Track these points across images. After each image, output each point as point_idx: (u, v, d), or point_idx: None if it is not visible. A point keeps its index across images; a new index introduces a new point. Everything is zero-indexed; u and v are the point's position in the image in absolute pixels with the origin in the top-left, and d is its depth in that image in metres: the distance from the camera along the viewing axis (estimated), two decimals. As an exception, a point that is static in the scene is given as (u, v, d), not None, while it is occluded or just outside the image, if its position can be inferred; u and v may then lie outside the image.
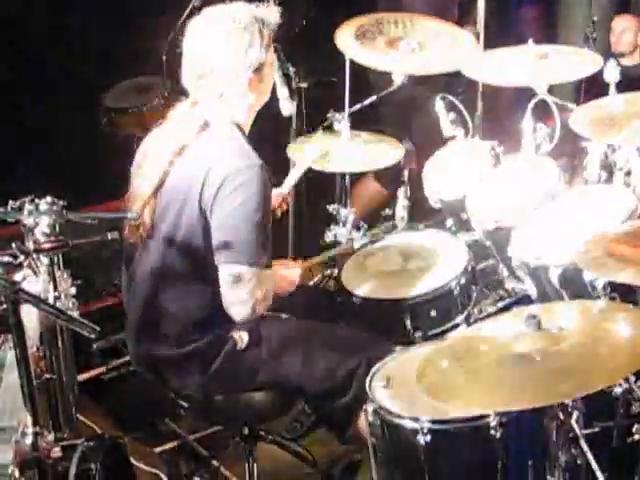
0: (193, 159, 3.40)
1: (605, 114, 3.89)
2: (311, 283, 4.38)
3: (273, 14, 3.44)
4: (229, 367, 3.47)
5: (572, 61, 4.35)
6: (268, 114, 3.68)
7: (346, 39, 4.70)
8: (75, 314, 3.14)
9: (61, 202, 3.14)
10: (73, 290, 3.25)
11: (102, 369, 4.63)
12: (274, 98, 4.15)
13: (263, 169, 3.33)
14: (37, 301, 2.79)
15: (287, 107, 4.44)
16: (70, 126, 5.57)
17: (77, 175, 5.38)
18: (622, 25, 6.43)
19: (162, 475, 4.07)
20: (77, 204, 3.27)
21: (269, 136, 4.56)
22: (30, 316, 3.08)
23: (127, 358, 4.35)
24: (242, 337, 3.48)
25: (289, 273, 3.71)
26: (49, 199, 3.10)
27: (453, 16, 5.56)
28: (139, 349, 3.60)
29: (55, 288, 3.14)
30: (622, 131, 3.72)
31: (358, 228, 4.61)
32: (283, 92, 4.35)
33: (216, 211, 3.33)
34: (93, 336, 2.71)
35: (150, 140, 3.54)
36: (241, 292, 3.38)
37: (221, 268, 3.37)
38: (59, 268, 3.16)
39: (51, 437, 3.05)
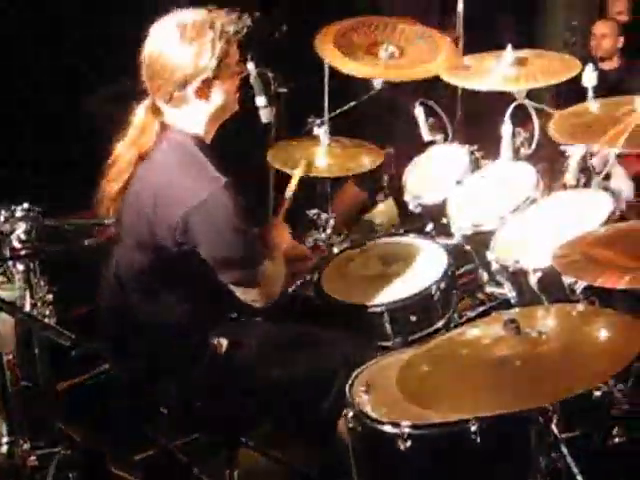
0: (154, 175, 3.38)
1: (583, 120, 3.89)
2: (291, 289, 4.36)
3: (236, 24, 3.39)
4: (208, 373, 3.46)
5: (550, 66, 4.35)
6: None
7: (325, 45, 4.70)
8: (52, 321, 3.13)
9: (38, 208, 3.12)
10: (50, 297, 3.23)
11: (80, 378, 4.61)
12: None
13: (223, 187, 3.29)
14: (12, 308, 2.78)
15: (265, 114, 4.43)
16: (50, 132, 5.55)
17: (55, 181, 5.35)
18: (602, 30, 6.46)
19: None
20: (60, 211, 3.25)
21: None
22: (6, 323, 3.06)
23: (106, 366, 4.32)
24: (221, 343, 3.47)
25: (283, 238, 3.74)
26: (26, 205, 3.08)
27: (434, 19, 5.56)
28: (116, 356, 3.58)
29: (32, 295, 3.12)
30: (602, 136, 3.72)
31: (339, 234, 4.61)
32: (261, 100, 4.34)
33: (196, 240, 3.32)
34: (69, 344, 2.69)
35: (118, 145, 3.52)
36: (252, 295, 3.44)
37: (228, 284, 3.41)
38: (35, 275, 3.15)
39: (27, 446, 3.03)
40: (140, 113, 3.46)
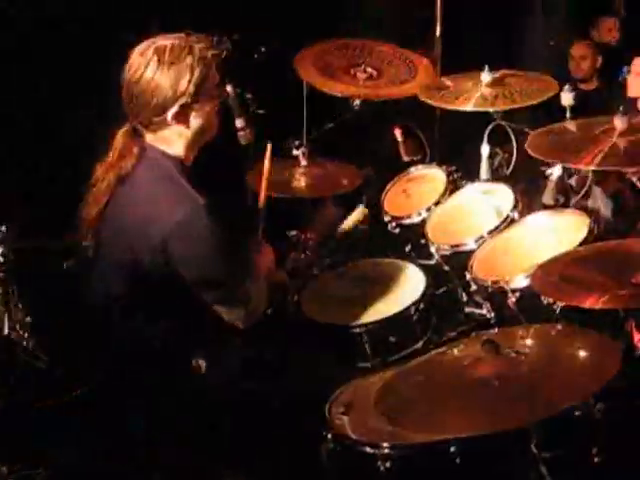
0: (133, 195, 3.38)
1: (560, 139, 3.91)
2: (270, 310, 4.36)
3: (214, 48, 3.39)
4: (188, 394, 3.45)
5: (528, 86, 4.37)
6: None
7: (304, 66, 4.72)
8: (30, 344, 3.11)
9: (16, 230, 3.11)
10: (28, 319, 3.22)
11: (60, 398, 4.58)
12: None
13: (201, 207, 3.28)
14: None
15: (244, 136, 4.43)
16: (28, 152, 5.53)
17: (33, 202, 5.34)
18: (580, 52, 6.50)
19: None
20: (33, 232, 3.24)
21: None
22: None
23: (85, 386, 4.31)
24: (201, 365, 3.46)
25: (266, 258, 3.75)
26: (3, 227, 3.08)
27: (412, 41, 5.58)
28: (94, 376, 3.57)
29: (9, 317, 3.10)
30: (579, 155, 3.73)
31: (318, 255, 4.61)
32: (240, 122, 4.34)
33: (176, 261, 3.31)
34: (43, 367, 2.68)
35: (98, 167, 3.51)
36: (237, 314, 3.44)
37: (212, 305, 3.41)
38: (13, 298, 3.13)
39: (5, 468, 3.02)
40: (120, 137, 3.45)
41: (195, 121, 3.39)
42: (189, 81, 3.30)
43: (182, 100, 3.31)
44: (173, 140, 3.40)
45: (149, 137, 3.41)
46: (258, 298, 3.51)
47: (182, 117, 3.35)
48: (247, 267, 3.52)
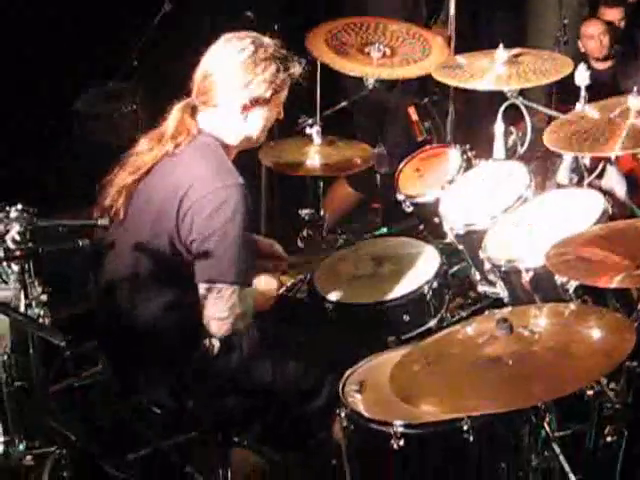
0: (175, 167, 3.41)
1: (578, 128, 3.87)
2: (283, 289, 4.37)
3: (297, 67, 3.48)
4: (201, 374, 3.46)
5: (543, 65, 4.35)
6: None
7: (316, 44, 4.70)
8: (46, 322, 3.12)
9: (32, 209, 3.12)
10: (44, 297, 3.23)
11: (74, 377, 4.60)
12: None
13: (242, 188, 3.33)
14: (6, 309, 2.78)
15: None
16: (40, 132, 5.55)
17: (47, 182, 5.36)
18: (592, 30, 6.46)
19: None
20: (48, 211, 3.25)
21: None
22: (2, 323, 3.06)
23: (100, 366, 4.33)
24: (214, 344, 3.47)
25: (266, 289, 3.69)
26: (19, 206, 3.08)
27: (421, 20, 5.56)
28: (109, 356, 3.59)
29: (26, 296, 3.12)
30: (599, 145, 3.71)
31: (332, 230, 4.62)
32: None
33: (196, 231, 3.34)
34: (63, 344, 2.69)
35: (145, 138, 3.54)
36: (221, 309, 3.37)
37: (201, 285, 3.37)
38: (30, 276, 3.15)
39: (22, 446, 3.03)
40: (176, 112, 3.49)
41: (254, 121, 3.45)
42: (270, 82, 3.39)
43: (254, 95, 3.39)
44: (227, 130, 3.46)
45: (204, 119, 3.46)
46: (246, 309, 3.43)
47: (247, 111, 3.41)
48: (252, 274, 3.49)
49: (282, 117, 3.57)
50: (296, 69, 3.47)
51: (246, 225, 3.35)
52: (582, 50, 6.48)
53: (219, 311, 3.37)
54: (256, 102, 3.41)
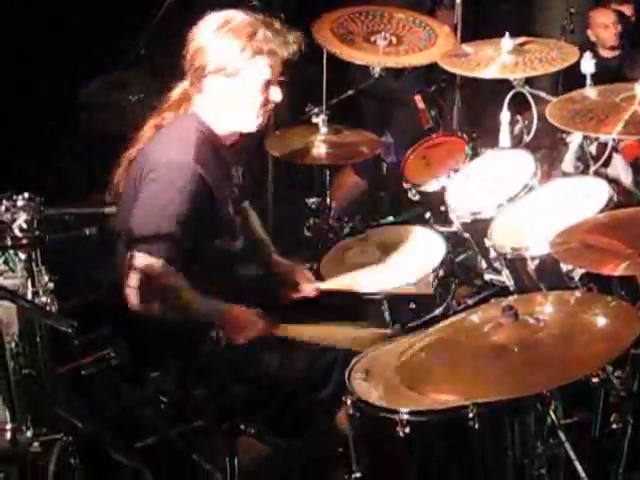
0: (152, 142, 3.47)
1: (581, 107, 3.89)
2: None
3: (283, 45, 3.45)
4: (208, 363, 3.48)
5: (549, 53, 4.35)
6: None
7: (322, 33, 4.71)
8: (53, 309, 3.14)
9: (39, 198, 3.13)
10: (51, 285, 3.24)
11: (80, 362, 4.62)
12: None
13: (190, 167, 3.33)
14: (14, 296, 2.79)
15: None
16: (48, 122, 5.55)
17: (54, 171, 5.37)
18: (604, 18, 6.46)
19: (143, 470, 4.05)
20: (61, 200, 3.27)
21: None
22: (10, 311, 3.07)
23: (108, 353, 4.34)
24: (221, 335, 3.48)
25: (245, 313, 3.54)
26: (26, 195, 3.09)
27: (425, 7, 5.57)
28: (117, 344, 3.60)
29: (33, 284, 3.13)
30: (601, 123, 3.72)
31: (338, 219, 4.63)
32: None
33: (137, 199, 3.36)
34: (70, 331, 2.71)
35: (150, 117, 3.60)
36: (137, 279, 3.31)
37: (132, 254, 3.32)
38: (37, 264, 3.16)
39: (30, 433, 3.05)
40: (174, 91, 3.54)
41: (241, 99, 3.44)
42: (240, 52, 3.37)
43: (235, 66, 3.38)
44: (206, 109, 3.45)
45: (197, 103, 3.48)
46: (159, 293, 3.34)
47: (213, 87, 3.42)
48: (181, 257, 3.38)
49: (279, 99, 3.52)
50: (269, 45, 3.41)
51: (182, 205, 3.31)
52: (592, 39, 6.48)
53: (135, 281, 3.31)
54: (232, 76, 3.39)
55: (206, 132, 3.45)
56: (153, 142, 3.46)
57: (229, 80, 3.40)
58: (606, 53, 6.44)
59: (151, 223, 3.31)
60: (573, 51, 4.33)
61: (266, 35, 3.40)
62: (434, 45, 4.74)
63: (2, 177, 3.75)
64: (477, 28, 5.36)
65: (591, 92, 4.01)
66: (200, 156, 3.36)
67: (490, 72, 4.34)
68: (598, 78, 4.10)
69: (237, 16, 3.44)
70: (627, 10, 6.53)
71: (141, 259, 3.29)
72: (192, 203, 3.32)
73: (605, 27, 6.44)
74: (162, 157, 3.36)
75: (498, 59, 4.34)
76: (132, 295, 3.33)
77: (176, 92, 3.53)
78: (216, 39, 3.39)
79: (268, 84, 3.45)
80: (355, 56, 4.72)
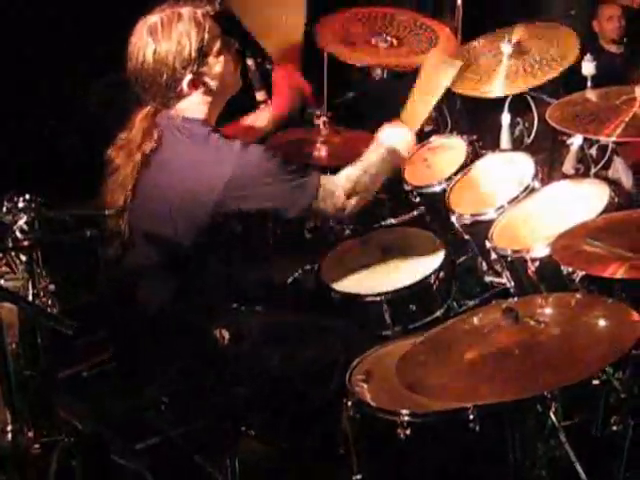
0: (173, 158, 3.40)
1: (582, 109, 3.89)
2: (290, 279, 4.38)
3: (203, 9, 3.39)
4: (209, 364, 3.48)
5: (548, 52, 4.34)
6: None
7: (324, 35, 4.71)
8: (54, 311, 3.14)
9: (40, 199, 3.13)
10: (52, 287, 3.24)
11: (81, 364, 4.62)
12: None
13: (241, 144, 3.35)
14: (14, 298, 2.79)
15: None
16: (54, 122, 5.56)
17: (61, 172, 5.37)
18: (611, 11, 6.50)
19: (144, 471, 4.06)
20: (61, 202, 3.27)
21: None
22: (11, 313, 3.08)
23: (109, 354, 4.34)
24: (224, 334, 3.48)
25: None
26: (27, 196, 3.10)
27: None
28: (119, 345, 3.61)
29: (34, 285, 3.13)
30: (602, 126, 3.72)
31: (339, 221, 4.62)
32: (260, 95, 4.34)
33: (243, 201, 3.35)
34: (71, 332, 2.71)
35: (115, 152, 3.52)
36: (330, 210, 3.49)
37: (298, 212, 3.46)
38: (38, 265, 3.16)
39: (31, 434, 3.05)
40: (141, 119, 3.47)
41: (212, 82, 3.40)
42: (189, 45, 3.31)
43: (191, 67, 3.33)
44: (194, 108, 3.42)
45: (166, 114, 3.43)
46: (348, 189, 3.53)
47: (198, 83, 3.37)
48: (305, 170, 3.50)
49: (237, 45, 3.53)
50: (199, 12, 3.36)
51: (276, 159, 3.38)
52: (595, 29, 6.50)
53: (331, 210, 3.49)
54: (196, 71, 3.35)
55: (206, 124, 3.45)
56: (177, 166, 3.38)
57: (202, 68, 3.38)
58: (611, 47, 6.48)
59: (285, 190, 3.39)
60: (572, 44, 4.30)
61: (188, 10, 3.37)
62: (435, 47, 4.73)
63: (3, 178, 3.76)
64: (478, 27, 5.34)
65: (592, 94, 4.01)
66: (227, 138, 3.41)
67: (494, 89, 4.32)
68: (603, 75, 4.10)
69: (155, 17, 3.38)
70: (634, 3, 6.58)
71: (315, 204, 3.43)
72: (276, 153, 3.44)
73: (609, 18, 6.48)
74: (222, 175, 3.32)
75: (499, 68, 4.33)
76: (330, 204, 3.48)
77: (144, 119, 3.46)
78: (164, 46, 3.31)
79: (224, 40, 3.44)
80: (356, 57, 4.72)
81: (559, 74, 4.32)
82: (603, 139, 3.96)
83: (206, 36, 3.35)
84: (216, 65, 3.41)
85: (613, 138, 3.73)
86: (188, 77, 3.34)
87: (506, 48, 4.33)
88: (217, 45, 3.40)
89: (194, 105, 3.41)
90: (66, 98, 5.50)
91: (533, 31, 4.51)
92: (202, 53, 3.34)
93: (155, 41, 3.31)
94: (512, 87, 4.29)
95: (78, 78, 5.55)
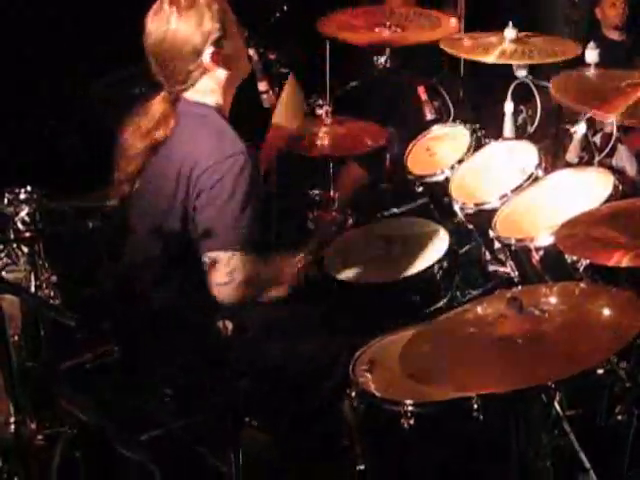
0: (180, 143, 3.41)
1: (586, 87, 3.88)
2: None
3: None
4: (213, 355, 3.47)
5: (550, 47, 4.34)
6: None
7: (327, 26, 4.71)
8: (56, 303, 3.14)
9: (41, 191, 3.12)
10: (54, 279, 3.24)
11: (84, 355, 4.62)
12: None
13: (245, 155, 3.32)
14: (17, 289, 2.79)
15: (267, 99, 4.45)
16: (55, 115, 5.55)
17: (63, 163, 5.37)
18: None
19: (148, 463, 4.06)
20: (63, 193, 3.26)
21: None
22: (13, 305, 3.07)
23: (112, 346, 4.34)
24: (227, 326, 3.48)
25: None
26: (29, 188, 3.09)
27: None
28: (121, 337, 3.60)
29: (36, 277, 3.13)
30: (605, 103, 3.71)
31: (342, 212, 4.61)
32: (262, 85, 4.34)
33: (199, 205, 3.34)
34: (73, 324, 2.70)
35: (129, 134, 3.52)
36: (219, 275, 3.36)
37: (203, 257, 3.36)
38: (40, 257, 3.15)
39: (34, 426, 3.04)
40: (157, 104, 3.48)
41: (229, 59, 3.41)
42: (211, 17, 3.34)
43: (213, 37, 3.34)
44: (209, 91, 3.42)
45: (183, 96, 3.44)
46: (244, 281, 3.40)
47: (218, 57, 3.37)
48: (255, 241, 3.45)
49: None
50: None
51: (250, 191, 3.34)
52: (598, 16, 6.49)
53: (219, 277, 3.36)
54: (218, 43, 3.36)
55: (221, 113, 3.46)
56: (187, 148, 3.39)
57: (222, 40, 3.39)
58: (614, 35, 6.46)
59: (224, 222, 3.33)
60: (575, 47, 4.30)
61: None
62: (439, 27, 4.74)
63: (4, 170, 3.76)
64: (480, 19, 5.34)
65: (589, 73, 4.01)
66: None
67: (491, 57, 4.31)
68: (606, 61, 4.09)
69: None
70: None
71: (222, 255, 3.32)
72: (257, 186, 3.38)
73: (612, 4, 6.46)
74: (213, 158, 3.32)
75: (500, 47, 4.32)
76: (217, 292, 3.38)
77: (160, 104, 3.47)
78: (186, 17, 3.33)
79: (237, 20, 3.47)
80: (359, 40, 4.72)
81: (560, 62, 4.32)
82: (606, 116, 3.93)
83: (225, 15, 3.39)
84: (232, 46, 3.43)
85: (615, 116, 3.70)
86: (210, 49, 3.34)
87: (509, 33, 4.32)
88: (233, 27, 3.43)
89: (209, 88, 3.42)
90: (66, 98, 5.50)
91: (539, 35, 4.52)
92: (223, 26, 3.37)
93: (178, 12, 3.33)
94: (510, 59, 4.28)
95: (78, 78, 5.55)
